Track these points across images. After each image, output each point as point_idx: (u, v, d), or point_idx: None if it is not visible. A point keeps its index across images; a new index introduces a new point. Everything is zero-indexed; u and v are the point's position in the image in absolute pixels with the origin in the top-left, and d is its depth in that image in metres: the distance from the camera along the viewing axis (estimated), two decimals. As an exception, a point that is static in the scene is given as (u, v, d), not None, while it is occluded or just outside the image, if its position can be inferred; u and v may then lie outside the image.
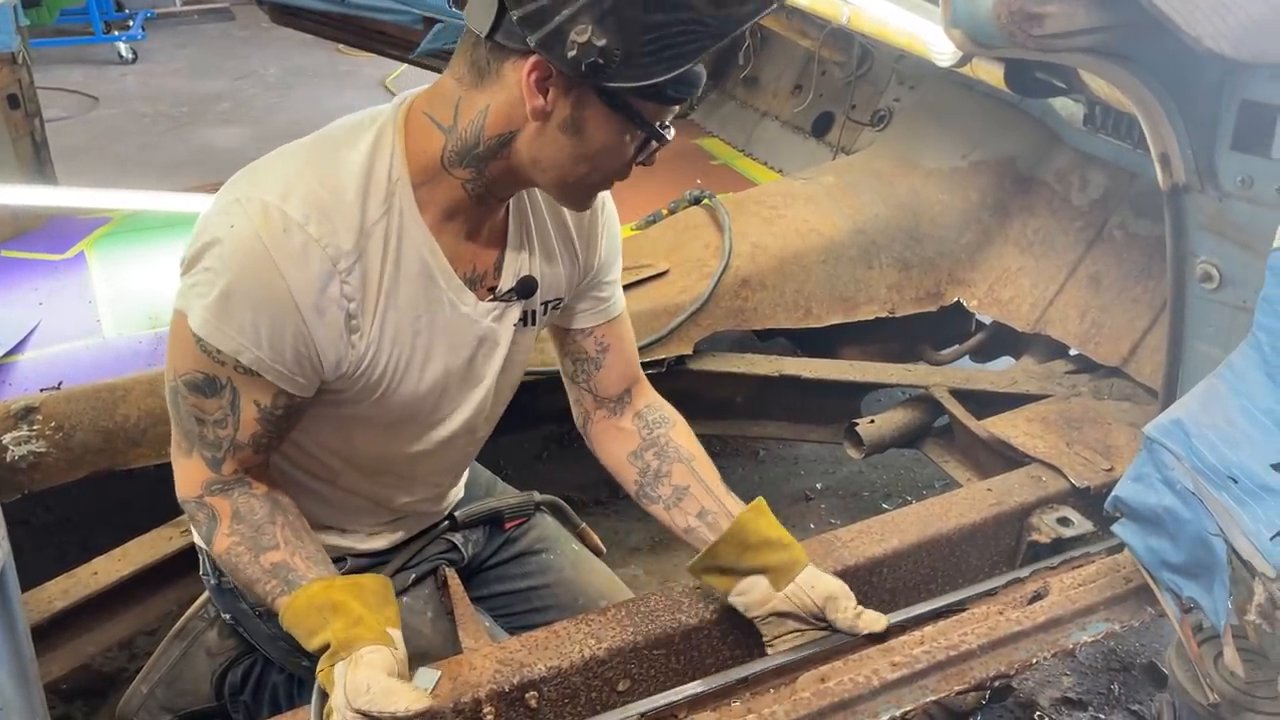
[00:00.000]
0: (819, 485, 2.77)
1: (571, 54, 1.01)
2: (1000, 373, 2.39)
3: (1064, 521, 1.83)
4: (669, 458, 1.46)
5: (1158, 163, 1.53)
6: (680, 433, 1.50)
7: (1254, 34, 1.16)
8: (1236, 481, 1.28)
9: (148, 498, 1.79)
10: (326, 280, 1.13)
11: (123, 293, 2.35)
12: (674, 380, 2.25)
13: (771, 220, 2.49)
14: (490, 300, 1.30)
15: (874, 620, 1.38)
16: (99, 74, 6.51)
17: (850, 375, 2.32)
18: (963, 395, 2.25)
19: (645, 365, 2.20)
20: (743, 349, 2.47)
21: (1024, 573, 1.68)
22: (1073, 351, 2.39)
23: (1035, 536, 1.82)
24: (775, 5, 1.08)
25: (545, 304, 1.39)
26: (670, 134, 1.14)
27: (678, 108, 1.14)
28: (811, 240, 2.45)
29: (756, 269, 2.37)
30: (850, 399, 2.39)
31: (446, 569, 1.57)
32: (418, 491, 1.48)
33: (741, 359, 2.33)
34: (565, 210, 1.35)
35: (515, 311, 1.34)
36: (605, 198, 1.39)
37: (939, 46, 1.91)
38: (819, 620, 1.39)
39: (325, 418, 1.29)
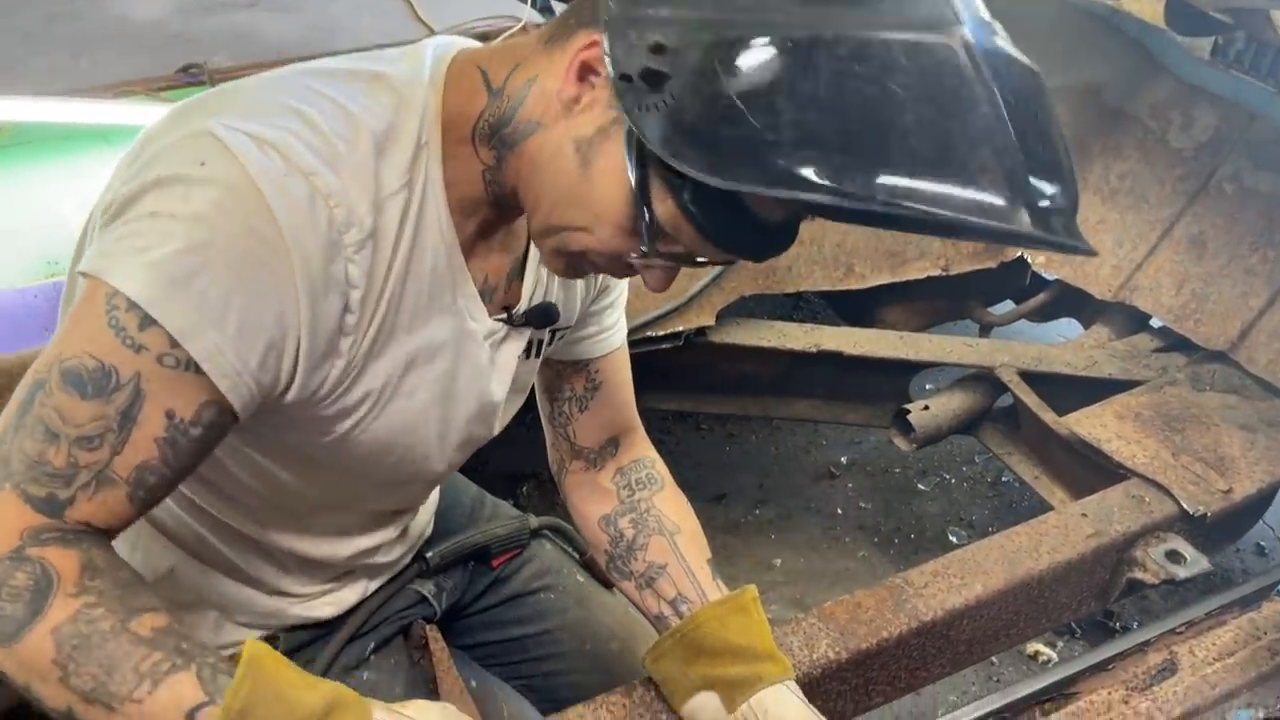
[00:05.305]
0: (843, 459, 2.43)
1: (624, 51, 0.77)
2: (1075, 349, 2.04)
3: (1174, 557, 1.53)
4: (647, 528, 1.19)
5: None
6: (667, 499, 1.21)
7: None
8: None
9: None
10: (333, 254, 0.81)
11: (9, 231, 1.90)
12: (693, 355, 1.88)
13: (808, 157, 2.09)
14: (499, 319, 0.98)
15: None
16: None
17: (902, 352, 1.95)
18: (1033, 378, 1.90)
19: (661, 339, 1.85)
20: (766, 311, 2.10)
21: (1150, 635, 1.37)
22: (1155, 323, 2.04)
23: (1139, 574, 1.53)
24: None
25: (554, 331, 1.09)
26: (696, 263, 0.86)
27: (705, 259, 0.86)
28: (855, 182, 2.05)
29: (791, 219, 1.98)
30: (898, 376, 2.03)
31: (423, 625, 1.26)
32: (351, 545, 1.14)
33: (771, 329, 1.95)
34: None
35: (521, 340, 1.03)
36: None
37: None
38: None
39: (258, 438, 0.94)
